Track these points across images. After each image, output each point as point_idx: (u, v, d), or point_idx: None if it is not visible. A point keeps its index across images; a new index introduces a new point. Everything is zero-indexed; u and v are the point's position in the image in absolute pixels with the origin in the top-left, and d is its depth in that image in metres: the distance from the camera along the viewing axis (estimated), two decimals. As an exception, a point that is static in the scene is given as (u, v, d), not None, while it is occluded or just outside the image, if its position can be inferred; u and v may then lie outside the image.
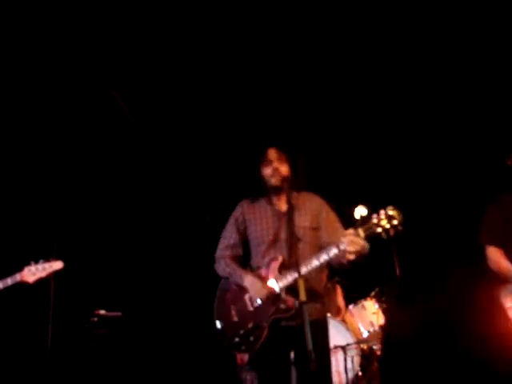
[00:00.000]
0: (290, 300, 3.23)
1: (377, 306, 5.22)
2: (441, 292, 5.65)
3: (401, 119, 5.74)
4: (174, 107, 5.45)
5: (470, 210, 4.32)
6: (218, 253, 3.62)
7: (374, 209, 3.20)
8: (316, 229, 3.45)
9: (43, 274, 3.62)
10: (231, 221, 3.63)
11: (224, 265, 3.55)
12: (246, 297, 3.40)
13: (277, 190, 3.47)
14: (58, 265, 3.67)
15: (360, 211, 5.13)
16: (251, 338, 3.32)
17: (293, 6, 4.85)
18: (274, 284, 3.30)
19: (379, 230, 3.00)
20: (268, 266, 3.37)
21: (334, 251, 3.17)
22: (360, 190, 5.46)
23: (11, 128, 5.05)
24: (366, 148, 5.95)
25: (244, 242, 3.59)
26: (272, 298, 3.30)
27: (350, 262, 3.29)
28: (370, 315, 5.17)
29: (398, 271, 5.32)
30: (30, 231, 5.08)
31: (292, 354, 3.27)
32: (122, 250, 5.56)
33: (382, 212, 3.02)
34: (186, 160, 5.46)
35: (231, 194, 5.48)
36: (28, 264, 3.67)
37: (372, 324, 5.14)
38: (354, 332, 5.13)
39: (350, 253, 3.15)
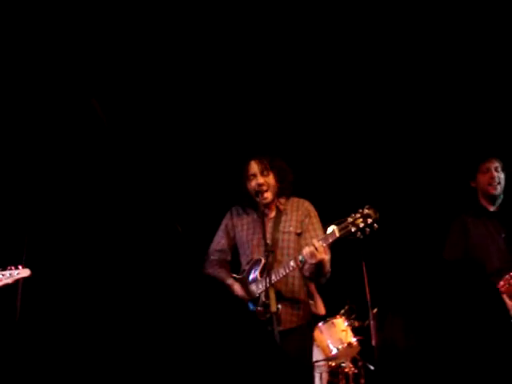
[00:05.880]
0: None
1: (346, 323, 5.24)
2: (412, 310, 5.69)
3: (370, 137, 5.83)
4: (148, 112, 5.43)
5: (437, 228, 4.40)
6: (207, 256, 3.72)
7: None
8: (300, 234, 3.48)
9: (9, 281, 3.60)
10: (221, 226, 3.71)
11: (208, 267, 3.64)
12: None
13: (265, 204, 3.51)
14: (25, 272, 3.66)
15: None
16: None
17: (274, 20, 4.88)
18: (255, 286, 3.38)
19: (354, 229, 3.05)
20: (250, 269, 3.44)
21: (291, 264, 3.23)
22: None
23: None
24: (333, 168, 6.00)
25: (233, 247, 3.68)
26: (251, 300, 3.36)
27: (310, 276, 3.35)
28: (339, 332, 5.18)
29: (367, 289, 5.35)
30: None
31: None
32: (94, 258, 5.49)
33: (359, 211, 3.08)
34: (159, 168, 5.44)
35: (206, 205, 5.52)
36: (-5, 270, 3.65)
37: (341, 341, 5.15)
38: (323, 349, 5.15)
39: (310, 265, 3.20)
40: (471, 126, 5.35)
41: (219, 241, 3.70)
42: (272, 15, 4.85)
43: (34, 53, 4.70)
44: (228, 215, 3.71)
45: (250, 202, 3.54)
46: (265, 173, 3.48)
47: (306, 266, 3.30)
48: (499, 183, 3.96)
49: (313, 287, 5.61)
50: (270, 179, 3.49)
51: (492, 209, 4.02)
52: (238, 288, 3.44)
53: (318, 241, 3.16)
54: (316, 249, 3.11)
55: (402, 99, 5.48)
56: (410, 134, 5.66)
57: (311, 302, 5.46)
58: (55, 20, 4.53)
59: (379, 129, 5.71)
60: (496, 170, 3.98)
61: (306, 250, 3.15)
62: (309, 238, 3.36)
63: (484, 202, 4.04)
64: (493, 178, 3.96)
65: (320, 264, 3.21)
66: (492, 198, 4.01)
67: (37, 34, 4.58)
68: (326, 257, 3.23)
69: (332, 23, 4.95)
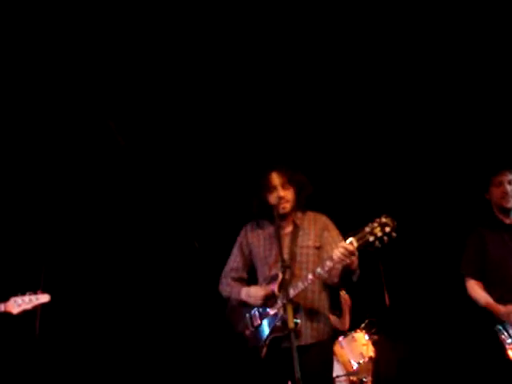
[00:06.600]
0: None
1: (367, 337, 5.18)
2: (430, 324, 5.65)
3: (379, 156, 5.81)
4: (163, 129, 5.42)
5: (455, 240, 4.36)
6: (222, 275, 3.68)
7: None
8: (319, 248, 3.45)
9: (28, 306, 3.58)
10: (236, 245, 3.68)
11: (225, 285, 3.61)
12: (247, 316, 3.43)
13: (284, 216, 3.48)
14: (44, 298, 3.65)
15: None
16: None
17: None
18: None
19: (372, 238, 2.99)
20: (268, 284, 3.39)
21: (309, 277, 3.18)
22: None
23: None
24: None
25: (249, 265, 3.64)
26: (271, 301, 3.31)
27: (340, 281, 3.28)
28: (360, 347, 5.13)
29: (387, 303, 5.31)
30: (17, 263, 5.02)
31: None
32: (111, 282, 5.49)
33: (376, 220, 3.02)
34: (175, 185, 5.44)
35: (222, 222, 5.50)
36: (15, 295, 3.65)
37: (362, 355, 5.09)
38: (344, 364, 5.09)
39: (336, 270, 3.15)
40: (487, 137, 5.30)
41: (234, 259, 3.66)
42: (294, 26, 4.79)
43: (52, 74, 4.71)
44: (242, 233, 3.68)
45: (267, 214, 3.49)
46: (286, 186, 3.47)
47: (334, 272, 3.24)
48: None
49: (346, 302, 5.57)
50: (290, 193, 3.48)
51: (508, 221, 3.99)
52: (247, 289, 3.44)
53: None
54: (345, 247, 3.03)
55: (418, 112, 5.45)
56: (426, 146, 5.63)
57: (334, 316, 5.43)
58: (70, 38, 4.52)
59: (393, 141, 5.67)
60: (509, 183, 3.94)
61: (337, 254, 3.05)
62: (330, 250, 3.27)
63: (499, 215, 4.01)
64: (505, 191, 3.92)
65: (349, 265, 3.15)
66: (506, 211, 3.98)
67: (54, 50, 4.56)
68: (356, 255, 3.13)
69: (357, 33, 4.90)
